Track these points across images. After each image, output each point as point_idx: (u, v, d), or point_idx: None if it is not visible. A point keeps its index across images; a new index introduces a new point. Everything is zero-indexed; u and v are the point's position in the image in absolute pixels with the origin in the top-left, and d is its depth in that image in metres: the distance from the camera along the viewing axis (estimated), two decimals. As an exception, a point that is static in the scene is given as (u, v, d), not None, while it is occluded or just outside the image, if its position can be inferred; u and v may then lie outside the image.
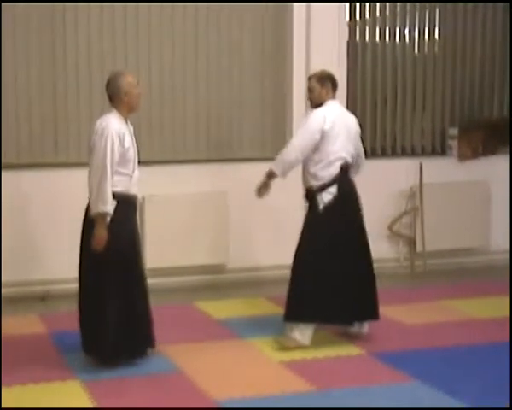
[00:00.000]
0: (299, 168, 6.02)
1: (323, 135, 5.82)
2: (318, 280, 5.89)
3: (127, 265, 5.56)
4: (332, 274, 5.90)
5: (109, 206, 5.38)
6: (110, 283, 5.52)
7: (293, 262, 6.02)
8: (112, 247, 5.44)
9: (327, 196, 5.88)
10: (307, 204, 6.03)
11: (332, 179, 5.88)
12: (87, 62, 7.45)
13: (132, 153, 5.54)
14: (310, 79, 6.05)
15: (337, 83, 6.05)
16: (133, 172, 5.55)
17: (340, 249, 5.92)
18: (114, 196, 5.42)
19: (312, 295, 5.88)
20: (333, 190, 5.88)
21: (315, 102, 5.99)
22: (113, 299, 5.51)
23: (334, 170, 5.88)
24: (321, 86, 5.94)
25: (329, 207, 5.88)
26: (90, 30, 7.43)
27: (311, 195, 5.95)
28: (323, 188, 5.87)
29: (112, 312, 5.51)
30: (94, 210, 5.41)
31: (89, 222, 5.52)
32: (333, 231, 5.91)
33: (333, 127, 5.84)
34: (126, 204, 5.53)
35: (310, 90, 6.01)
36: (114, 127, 5.42)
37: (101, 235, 5.43)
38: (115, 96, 5.54)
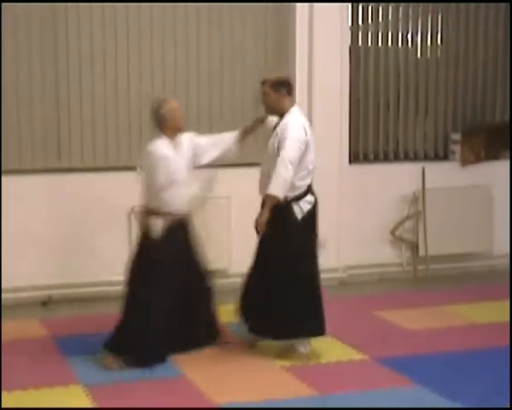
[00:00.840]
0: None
1: (306, 146, 5.73)
2: (310, 292, 5.83)
3: (166, 280, 5.76)
4: (318, 285, 5.88)
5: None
6: (148, 295, 5.76)
7: (277, 276, 5.81)
8: (155, 260, 5.74)
9: (306, 206, 5.77)
10: (276, 214, 5.73)
11: (307, 188, 5.79)
12: (89, 64, 7.44)
13: (180, 175, 5.78)
14: (263, 83, 5.88)
15: (293, 87, 5.91)
16: (182, 190, 5.78)
17: (315, 258, 5.90)
18: (163, 214, 5.75)
19: (307, 310, 5.83)
20: (310, 198, 5.79)
21: (270, 108, 5.86)
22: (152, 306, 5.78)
23: (310, 179, 5.82)
24: (275, 92, 5.78)
25: (307, 216, 5.78)
26: (92, 32, 7.42)
27: (283, 205, 5.73)
28: (300, 198, 5.76)
29: (147, 318, 5.76)
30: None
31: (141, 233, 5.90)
32: (310, 239, 5.86)
33: (310, 137, 5.78)
34: (174, 222, 5.78)
35: (264, 95, 5.86)
36: (161, 153, 5.72)
37: None
38: (161, 124, 5.83)
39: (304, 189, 5.77)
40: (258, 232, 5.74)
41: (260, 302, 5.90)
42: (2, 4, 7.12)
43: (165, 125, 5.79)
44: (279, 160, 5.64)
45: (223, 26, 7.81)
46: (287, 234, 5.77)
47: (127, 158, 7.63)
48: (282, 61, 7.96)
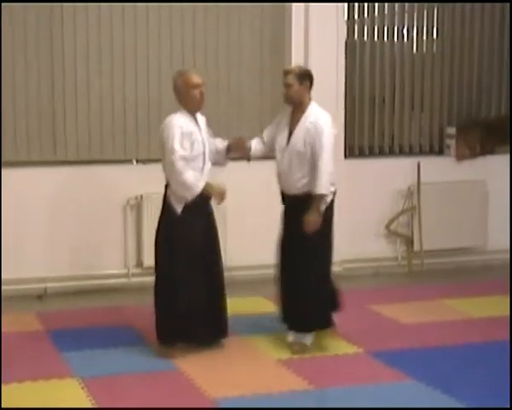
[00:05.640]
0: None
1: None
2: (328, 284, 6.01)
3: (195, 256, 5.76)
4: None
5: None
6: (178, 273, 5.71)
7: (312, 269, 5.85)
8: (183, 239, 5.69)
9: (329, 196, 5.84)
10: (300, 208, 5.76)
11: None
12: (85, 57, 7.44)
13: (200, 148, 5.72)
14: (287, 74, 5.84)
15: (313, 81, 5.89)
16: (202, 165, 5.74)
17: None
18: None
19: (326, 301, 5.99)
20: (332, 188, 5.86)
21: (292, 100, 5.82)
22: (180, 289, 5.73)
23: None
24: (300, 83, 5.77)
25: (329, 206, 5.85)
26: (87, 25, 7.41)
27: (306, 198, 5.75)
28: None
29: (179, 300, 5.72)
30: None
31: (167, 212, 5.78)
32: (332, 229, 5.97)
33: None
34: (198, 197, 5.71)
35: (288, 86, 5.80)
36: (177, 123, 5.68)
37: (217, 194, 5.78)
38: (177, 96, 5.79)
39: None
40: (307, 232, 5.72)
41: (299, 296, 5.91)
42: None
43: (180, 98, 5.75)
44: (322, 158, 5.68)
45: (219, 23, 7.80)
46: (319, 228, 5.77)
47: (122, 151, 7.64)
48: (278, 55, 7.96)
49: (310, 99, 5.86)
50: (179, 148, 5.58)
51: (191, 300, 5.73)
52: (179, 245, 5.72)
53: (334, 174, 5.78)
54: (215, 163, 5.96)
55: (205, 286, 5.81)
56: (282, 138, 5.89)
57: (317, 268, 5.88)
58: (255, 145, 6.04)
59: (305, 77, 5.82)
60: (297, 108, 5.84)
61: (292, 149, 5.81)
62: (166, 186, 5.83)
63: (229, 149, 6.00)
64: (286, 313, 6.03)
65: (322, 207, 5.76)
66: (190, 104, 5.74)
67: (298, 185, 5.82)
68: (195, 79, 5.76)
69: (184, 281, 5.71)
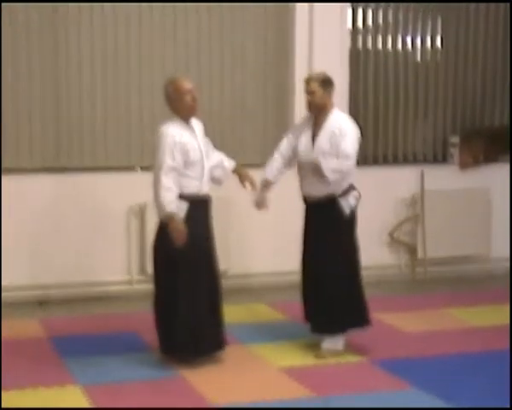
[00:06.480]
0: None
1: None
2: (354, 286, 5.98)
3: (199, 269, 5.65)
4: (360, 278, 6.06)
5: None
6: (181, 284, 5.61)
7: (329, 272, 5.86)
8: (185, 247, 5.52)
9: (353, 200, 5.85)
10: (323, 211, 5.85)
11: (351, 183, 5.89)
12: (89, 63, 7.47)
13: (195, 156, 5.63)
14: (309, 81, 5.86)
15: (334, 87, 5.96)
16: (199, 171, 5.64)
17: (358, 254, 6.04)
18: (183, 197, 5.57)
19: (353, 303, 5.98)
20: (355, 193, 5.88)
21: (316, 106, 5.85)
22: (184, 300, 5.61)
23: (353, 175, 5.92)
24: (323, 90, 5.80)
25: (354, 210, 5.88)
26: (92, 31, 7.44)
27: (330, 201, 5.82)
28: (347, 192, 5.84)
29: (182, 312, 5.61)
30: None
31: (161, 224, 5.64)
32: (355, 235, 5.97)
33: None
34: (198, 205, 5.63)
35: (311, 92, 5.82)
36: (171, 133, 5.58)
37: (176, 230, 5.49)
38: (169, 104, 5.74)
39: (349, 184, 5.86)
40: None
41: (323, 300, 5.93)
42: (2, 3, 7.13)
43: (173, 106, 5.68)
44: (342, 151, 5.71)
45: (223, 30, 7.82)
46: (337, 229, 5.83)
47: (127, 158, 7.65)
48: (282, 64, 7.97)
49: (332, 105, 5.90)
50: (169, 159, 5.50)
51: (195, 313, 5.64)
52: (183, 258, 5.58)
53: (354, 174, 5.84)
54: (213, 179, 5.88)
55: (207, 298, 5.73)
56: (305, 142, 5.92)
57: (338, 272, 5.88)
58: (273, 171, 6.06)
59: (328, 83, 5.86)
60: (320, 113, 5.87)
61: (317, 150, 5.82)
62: None
63: (235, 172, 6.00)
64: (311, 317, 6.04)
65: (346, 208, 5.81)
66: (183, 111, 5.68)
67: (322, 187, 5.83)
68: (186, 84, 5.71)
69: (189, 294, 5.63)
